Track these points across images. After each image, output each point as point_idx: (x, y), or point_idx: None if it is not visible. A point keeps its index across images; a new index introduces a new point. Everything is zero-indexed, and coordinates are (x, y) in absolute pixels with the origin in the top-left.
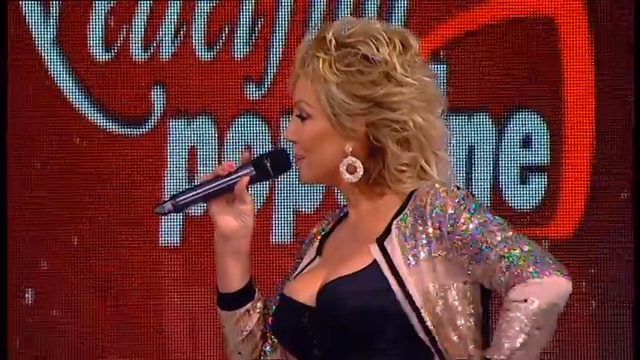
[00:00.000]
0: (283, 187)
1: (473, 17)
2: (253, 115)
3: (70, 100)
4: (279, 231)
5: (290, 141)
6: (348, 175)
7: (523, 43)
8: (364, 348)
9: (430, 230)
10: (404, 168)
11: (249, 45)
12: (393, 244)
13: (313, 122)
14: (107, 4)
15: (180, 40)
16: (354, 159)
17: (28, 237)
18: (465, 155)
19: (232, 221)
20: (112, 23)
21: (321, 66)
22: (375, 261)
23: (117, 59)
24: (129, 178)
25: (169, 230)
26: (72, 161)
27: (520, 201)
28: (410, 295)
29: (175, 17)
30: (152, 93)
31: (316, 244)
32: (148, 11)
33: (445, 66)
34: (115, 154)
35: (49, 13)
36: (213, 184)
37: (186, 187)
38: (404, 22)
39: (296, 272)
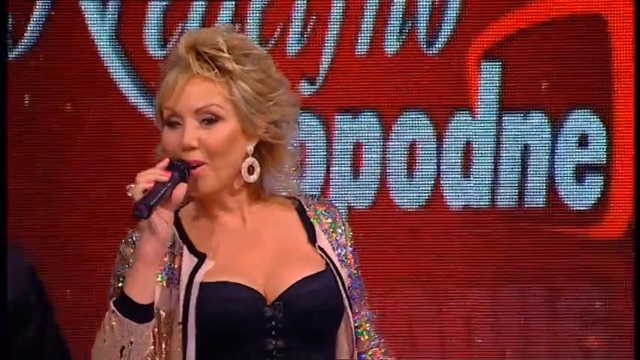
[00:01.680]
0: (337, 184)
1: (526, 15)
2: (307, 111)
3: (127, 95)
4: None
5: (188, 148)
6: (248, 176)
7: (577, 41)
8: (319, 340)
9: (340, 239)
10: (288, 170)
11: (302, 42)
12: (328, 250)
13: (224, 124)
14: (164, 3)
15: None
16: (253, 159)
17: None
18: (520, 154)
19: (168, 228)
20: (169, 20)
21: (232, 66)
22: (328, 264)
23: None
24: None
25: None
26: (128, 157)
27: (576, 200)
28: (346, 293)
29: (230, 15)
30: None
31: (182, 250)
32: (204, 8)
33: (499, 64)
34: None
35: (107, 10)
36: (162, 189)
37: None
38: (457, 20)
39: (181, 275)
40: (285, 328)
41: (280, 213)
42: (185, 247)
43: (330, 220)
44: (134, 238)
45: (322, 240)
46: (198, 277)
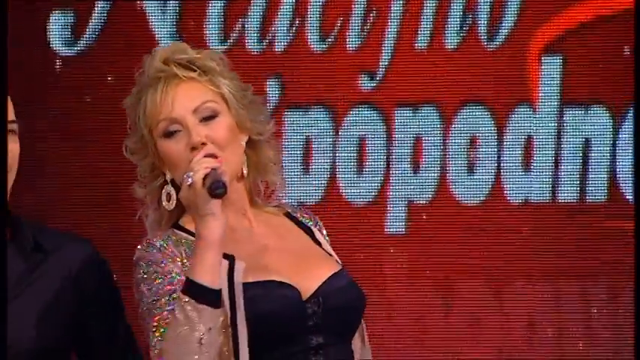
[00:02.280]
0: (397, 178)
1: (587, 9)
2: (368, 106)
3: None
4: (393, 222)
5: (198, 145)
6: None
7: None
8: (349, 335)
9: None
10: (272, 166)
11: (363, 36)
12: (330, 250)
13: (222, 118)
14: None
15: (295, 31)
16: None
17: None
18: (581, 148)
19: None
20: (229, 17)
21: (210, 64)
22: (339, 262)
23: (232, 51)
24: None
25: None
26: None
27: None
28: None
29: (290, 9)
30: (267, 84)
31: None
32: (264, 4)
33: (560, 58)
34: None
35: (168, 7)
36: (220, 173)
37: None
38: (518, 14)
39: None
40: (322, 324)
41: (276, 218)
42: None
43: (317, 227)
44: (158, 243)
45: (323, 242)
46: (238, 278)
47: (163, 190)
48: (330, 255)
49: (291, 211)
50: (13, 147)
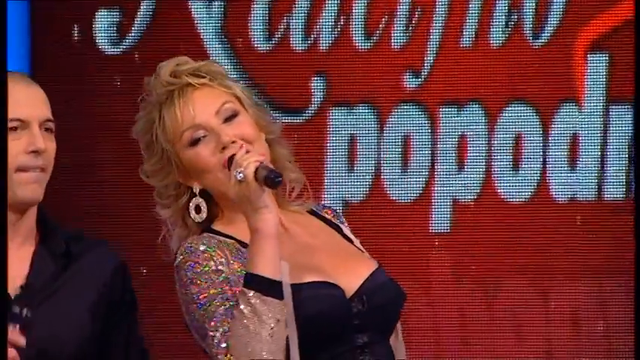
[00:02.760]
0: (442, 177)
1: (633, 5)
2: (413, 104)
3: None
4: (438, 220)
5: (229, 143)
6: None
7: None
8: (389, 333)
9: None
10: (288, 164)
11: (407, 34)
12: (361, 247)
13: (242, 117)
14: None
15: (340, 29)
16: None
17: None
18: (627, 146)
19: None
20: (274, 14)
21: (216, 68)
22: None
23: (277, 49)
24: None
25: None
26: None
27: None
28: None
29: (335, 8)
30: (312, 82)
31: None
32: (309, 2)
33: (606, 55)
34: None
35: (213, 6)
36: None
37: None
38: (563, 11)
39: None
40: (367, 323)
41: (302, 216)
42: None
43: (344, 224)
44: (201, 246)
45: (353, 238)
46: (286, 279)
47: (191, 204)
48: (362, 252)
49: (315, 208)
50: (49, 146)
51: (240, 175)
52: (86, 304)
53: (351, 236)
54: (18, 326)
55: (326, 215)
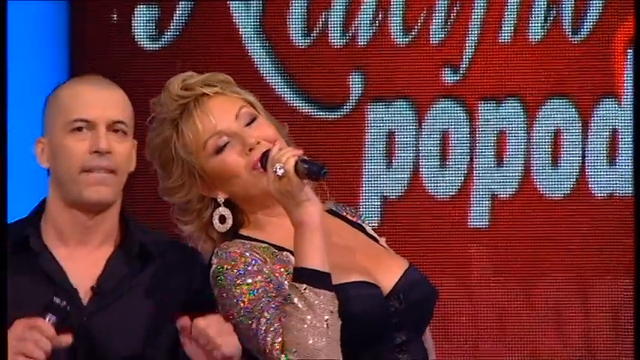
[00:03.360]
0: (480, 172)
1: None
2: (451, 100)
3: (272, 86)
4: (476, 215)
5: (254, 144)
6: None
7: None
8: (423, 330)
9: None
10: None
11: (446, 29)
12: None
13: (261, 119)
14: None
15: (378, 25)
16: None
17: None
18: None
19: None
20: (313, 10)
21: (223, 77)
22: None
23: (315, 45)
24: (327, 161)
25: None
26: None
27: None
28: None
29: (373, 3)
30: (350, 78)
31: (288, 257)
32: None
33: None
34: (315, 138)
35: (252, 2)
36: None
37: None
38: (603, 6)
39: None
40: (404, 321)
41: (328, 218)
42: (287, 254)
43: (366, 223)
44: (238, 250)
45: (377, 237)
46: None
47: (215, 214)
48: (389, 250)
49: (334, 208)
50: (117, 147)
51: (281, 170)
52: (156, 306)
53: (375, 235)
54: (55, 318)
55: (347, 215)
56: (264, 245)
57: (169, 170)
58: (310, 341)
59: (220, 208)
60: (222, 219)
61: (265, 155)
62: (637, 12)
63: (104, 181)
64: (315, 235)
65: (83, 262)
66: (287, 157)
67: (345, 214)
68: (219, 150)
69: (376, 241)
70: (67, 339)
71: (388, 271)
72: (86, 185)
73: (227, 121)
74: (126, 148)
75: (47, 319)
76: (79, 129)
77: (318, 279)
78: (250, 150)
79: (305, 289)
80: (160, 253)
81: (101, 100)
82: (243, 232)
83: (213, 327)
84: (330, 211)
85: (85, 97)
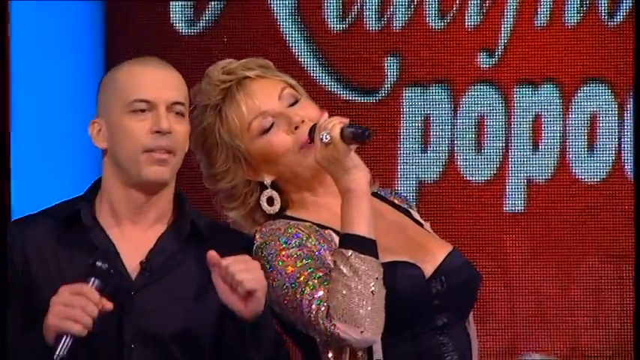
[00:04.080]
0: (516, 156)
1: None
2: (487, 84)
3: (307, 69)
4: (512, 200)
5: (300, 123)
6: None
7: None
8: (467, 314)
9: None
10: None
11: (481, 14)
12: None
13: (303, 100)
14: None
15: (414, 9)
16: None
17: None
18: None
19: None
20: None
21: (263, 62)
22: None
23: (351, 29)
24: (363, 145)
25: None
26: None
27: None
28: None
29: None
30: (385, 62)
31: (331, 236)
32: None
33: None
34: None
35: None
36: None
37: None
38: None
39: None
40: (446, 304)
41: (373, 200)
42: (331, 232)
43: (413, 209)
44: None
45: (423, 222)
46: None
47: (262, 197)
48: (434, 235)
49: (382, 193)
50: (177, 128)
51: (327, 137)
52: (203, 285)
53: (421, 220)
54: (98, 282)
55: (394, 200)
56: (307, 224)
57: (214, 157)
58: (355, 307)
59: (267, 191)
60: (270, 201)
61: (313, 129)
62: (637, 13)
63: (164, 161)
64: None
65: (134, 240)
66: (333, 124)
67: (391, 198)
68: (265, 131)
69: (421, 225)
70: (109, 305)
71: (431, 254)
72: (146, 165)
73: (271, 102)
74: (184, 128)
75: (91, 283)
76: (140, 110)
77: (364, 245)
78: (296, 128)
79: (351, 255)
80: (210, 235)
81: (160, 81)
82: (288, 212)
83: (236, 264)
84: (376, 195)
85: (143, 77)
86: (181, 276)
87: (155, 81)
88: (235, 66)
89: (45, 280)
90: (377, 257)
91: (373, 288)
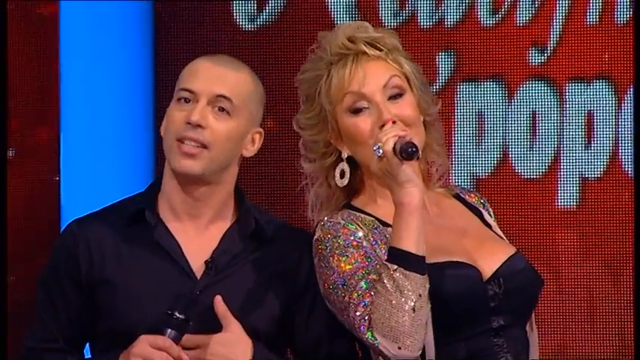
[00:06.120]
0: (568, 153)
1: None
2: (540, 80)
3: None
4: (564, 196)
5: (389, 121)
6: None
7: None
8: (525, 318)
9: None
10: (440, 148)
11: (532, 10)
12: (499, 232)
13: (408, 97)
14: None
15: (466, 6)
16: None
17: None
18: None
19: None
20: None
21: (393, 43)
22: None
23: (405, 25)
24: None
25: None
26: None
27: None
28: None
29: None
30: (438, 58)
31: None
32: None
33: None
34: None
35: None
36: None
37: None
38: None
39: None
40: (503, 306)
41: (446, 199)
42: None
43: (485, 209)
44: (342, 221)
45: (493, 224)
46: None
47: (337, 167)
48: (501, 237)
49: (460, 192)
50: (215, 124)
51: (380, 150)
52: (266, 286)
53: (491, 221)
54: (175, 333)
55: (470, 199)
56: (370, 219)
57: (309, 106)
58: (394, 323)
59: (342, 163)
60: (342, 174)
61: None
62: (637, 12)
63: (192, 153)
64: (413, 216)
65: (197, 237)
66: (387, 137)
67: (466, 195)
68: (356, 111)
69: (489, 227)
70: (186, 358)
71: (491, 256)
72: (176, 154)
73: (373, 87)
74: (226, 126)
75: (167, 334)
76: (185, 99)
77: (410, 261)
78: (382, 126)
79: (395, 270)
80: (273, 235)
81: (212, 75)
82: (355, 202)
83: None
84: (456, 196)
85: (199, 70)
86: (245, 277)
87: (207, 74)
88: (362, 36)
89: (113, 277)
90: (423, 273)
91: (415, 305)
